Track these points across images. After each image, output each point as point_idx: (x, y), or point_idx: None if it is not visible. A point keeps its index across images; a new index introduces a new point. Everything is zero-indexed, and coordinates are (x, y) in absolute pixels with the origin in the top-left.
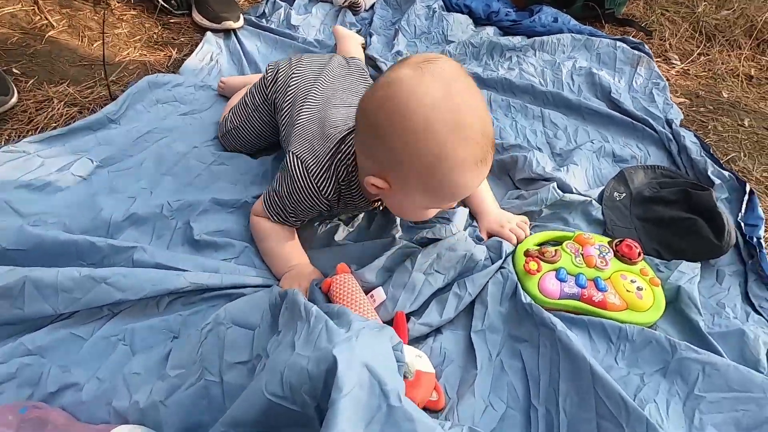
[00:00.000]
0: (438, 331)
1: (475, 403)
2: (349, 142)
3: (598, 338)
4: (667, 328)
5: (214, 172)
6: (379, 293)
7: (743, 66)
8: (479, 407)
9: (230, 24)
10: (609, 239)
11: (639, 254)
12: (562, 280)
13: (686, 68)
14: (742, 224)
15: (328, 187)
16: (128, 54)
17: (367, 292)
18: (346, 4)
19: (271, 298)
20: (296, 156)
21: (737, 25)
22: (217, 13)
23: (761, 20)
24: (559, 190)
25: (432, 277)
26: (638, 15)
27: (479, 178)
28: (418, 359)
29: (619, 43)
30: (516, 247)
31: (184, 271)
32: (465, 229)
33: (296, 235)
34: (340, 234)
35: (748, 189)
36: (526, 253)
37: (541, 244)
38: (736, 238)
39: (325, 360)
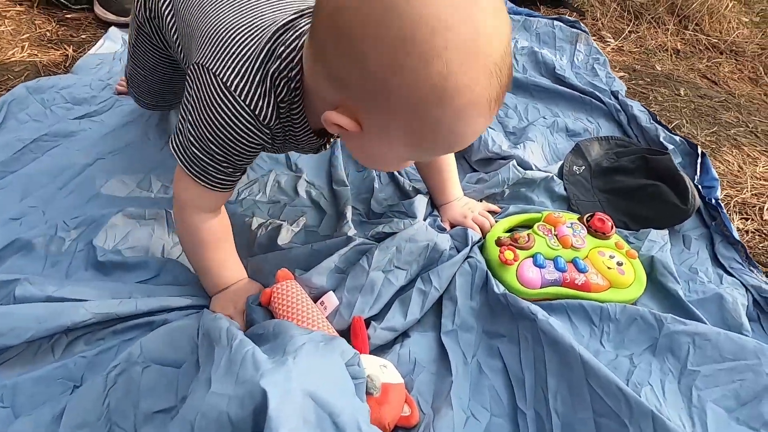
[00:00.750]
0: (405, 335)
1: (455, 415)
2: (290, 41)
3: (579, 322)
4: (647, 302)
5: (125, 183)
6: (330, 299)
7: (671, 41)
8: (459, 419)
9: None
10: (578, 215)
11: (611, 227)
12: (540, 267)
13: (620, 45)
14: (699, 187)
15: (265, 108)
16: (13, 54)
17: (317, 299)
18: None
19: (201, 324)
20: (205, 68)
21: (660, 4)
22: (122, 5)
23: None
24: (520, 168)
25: (392, 275)
26: None
27: (487, 124)
28: (383, 370)
29: (556, 23)
30: (484, 238)
31: (85, 301)
32: (425, 219)
33: (231, 236)
34: (284, 236)
35: (700, 151)
36: (498, 242)
37: (510, 231)
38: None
39: (251, 396)
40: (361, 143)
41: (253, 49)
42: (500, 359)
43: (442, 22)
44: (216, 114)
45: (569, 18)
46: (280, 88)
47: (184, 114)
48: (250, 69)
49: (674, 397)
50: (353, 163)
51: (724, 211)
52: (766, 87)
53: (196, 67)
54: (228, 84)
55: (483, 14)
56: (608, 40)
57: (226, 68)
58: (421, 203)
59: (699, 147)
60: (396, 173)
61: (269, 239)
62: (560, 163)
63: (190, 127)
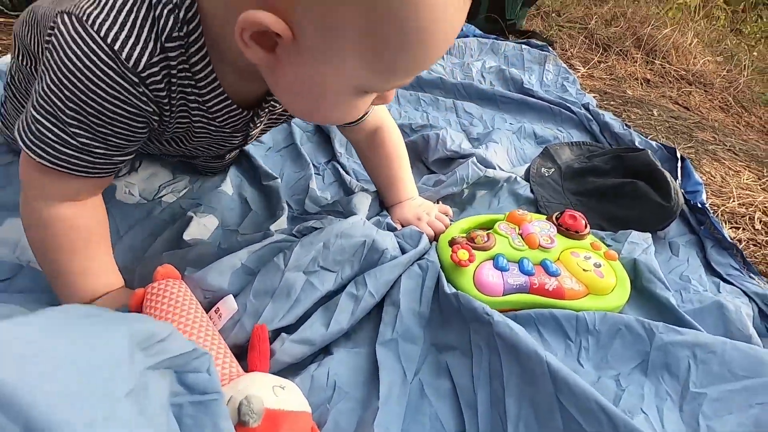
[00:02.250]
0: (326, 351)
1: None
2: None
3: (551, 336)
4: (633, 313)
5: None
6: (227, 304)
7: (640, 71)
8: None
9: None
10: (546, 215)
11: (585, 225)
12: (502, 270)
13: (590, 72)
14: (683, 192)
15: (131, 44)
16: None
17: (213, 305)
18: None
19: None
20: (68, 13)
21: (626, 38)
22: None
23: (645, 34)
24: (480, 165)
25: (316, 277)
26: (538, 30)
27: (460, 17)
28: (277, 393)
29: (524, 46)
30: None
31: None
32: (369, 219)
33: (103, 234)
34: (193, 231)
35: (679, 155)
36: (452, 242)
37: (467, 232)
38: (683, 200)
39: None
40: (295, 69)
41: None
42: (449, 378)
43: None
44: (64, 62)
45: (537, 42)
46: (164, 19)
47: (40, 74)
48: (116, 3)
49: (676, 428)
50: (289, 158)
51: (712, 214)
52: (737, 116)
53: (61, 16)
54: (83, 17)
55: None
56: (578, 67)
57: (86, 3)
58: (362, 200)
59: (677, 150)
60: (341, 170)
61: (174, 233)
62: (526, 165)
63: (37, 96)
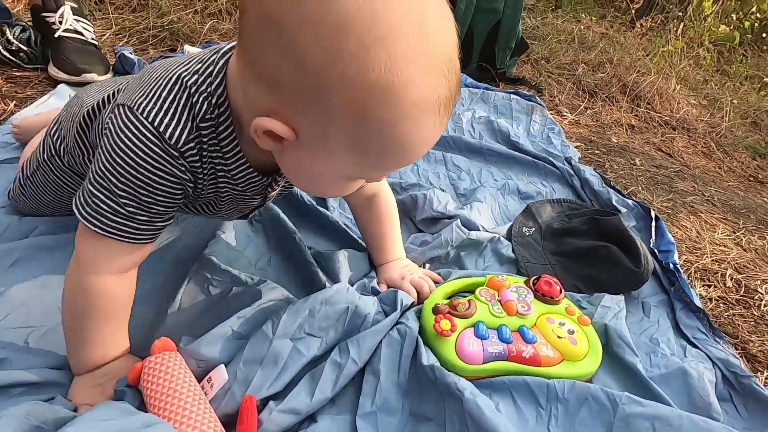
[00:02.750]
0: (311, 419)
1: None
2: (211, 59)
3: (524, 403)
4: (605, 379)
5: None
6: (219, 374)
7: (625, 117)
8: None
9: (93, 77)
10: (525, 278)
11: (560, 291)
12: (482, 338)
13: (576, 119)
14: (656, 251)
15: (173, 126)
16: None
17: (206, 374)
18: None
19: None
20: (122, 105)
21: (612, 85)
22: (75, 65)
23: (630, 80)
24: (464, 228)
25: (302, 343)
26: (528, 77)
27: (436, 132)
28: None
29: (513, 96)
30: (421, 304)
31: None
32: (361, 278)
33: (129, 306)
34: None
35: (654, 215)
36: (435, 310)
37: (451, 296)
38: (654, 265)
39: None
40: (297, 157)
41: (170, 77)
42: None
43: (384, 11)
44: (117, 144)
45: (526, 92)
46: (199, 105)
47: (96, 159)
48: (159, 89)
49: None
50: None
51: (683, 275)
52: (719, 161)
53: (118, 108)
54: (134, 107)
55: (428, 12)
56: (565, 114)
57: (144, 102)
58: (342, 260)
59: (652, 210)
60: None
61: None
62: (509, 224)
63: (93, 173)
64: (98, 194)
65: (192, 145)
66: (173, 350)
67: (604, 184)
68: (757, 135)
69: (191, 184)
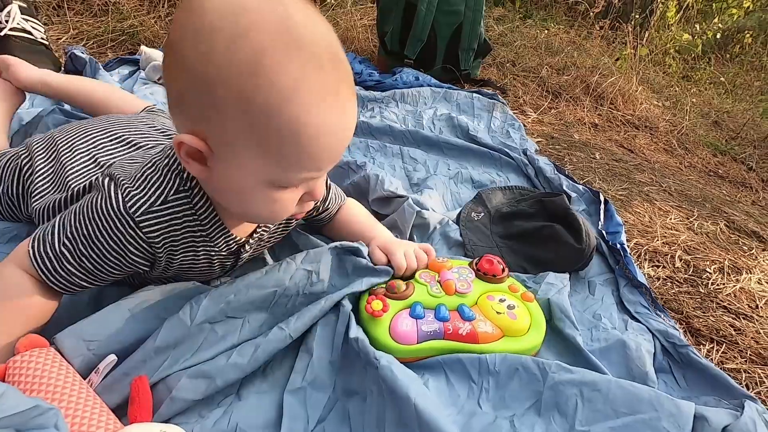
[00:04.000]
0: (236, 395)
1: None
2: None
3: (456, 379)
4: (546, 353)
5: None
6: (106, 362)
7: (588, 116)
8: None
9: None
10: (469, 260)
11: (503, 270)
12: (418, 317)
13: (540, 118)
14: (604, 233)
15: (141, 204)
16: None
17: (101, 358)
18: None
19: None
20: (111, 176)
21: (576, 86)
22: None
23: (593, 82)
24: (414, 205)
25: (221, 326)
26: (493, 79)
27: (337, 121)
28: None
29: (475, 95)
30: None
31: None
32: None
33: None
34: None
35: (602, 198)
36: (370, 292)
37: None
38: (601, 245)
39: None
40: (219, 174)
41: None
42: (348, 425)
43: (244, 11)
44: (97, 206)
45: (488, 91)
46: (171, 181)
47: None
48: (139, 173)
49: None
50: None
51: (629, 254)
52: (680, 157)
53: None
54: (122, 186)
55: (291, 11)
56: (529, 113)
57: (123, 179)
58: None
59: (601, 193)
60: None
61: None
62: (459, 210)
63: (64, 215)
64: (57, 244)
65: (152, 217)
66: (44, 346)
67: (556, 171)
68: (718, 133)
69: (145, 258)
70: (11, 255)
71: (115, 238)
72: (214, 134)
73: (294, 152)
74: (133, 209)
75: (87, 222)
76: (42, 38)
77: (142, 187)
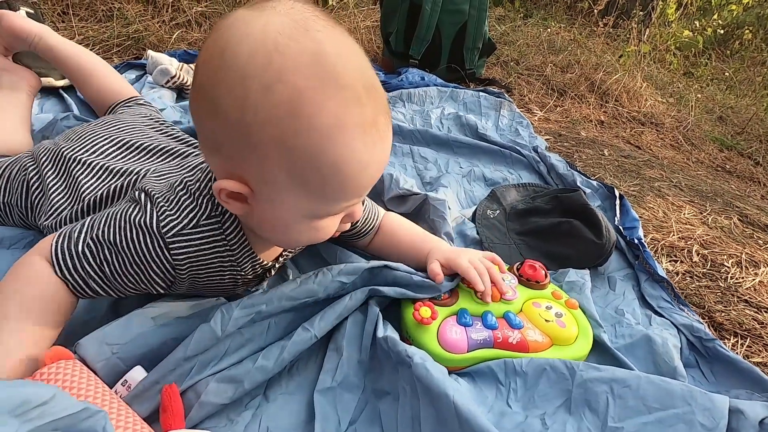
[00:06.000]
0: (263, 397)
1: None
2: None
3: (483, 381)
4: None
5: None
6: (135, 374)
7: (594, 114)
8: None
9: (50, 81)
10: (508, 266)
11: (545, 275)
12: (466, 325)
13: (546, 116)
14: (621, 228)
15: (174, 225)
16: None
17: (123, 361)
18: (172, 85)
19: None
20: (147, 193)
21: (581, 84)
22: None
23: (598, 80)
24: (440, 198)
25: (248, 329)
26: (497, 78)
27: (374, 154)
28: None
29: (481, 93)
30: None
31: None
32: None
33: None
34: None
35: (617, 193)
36: (414, 299)
37: None
38: (619, 240)
39: None
40: (261, 211)
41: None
42: (380, 425)
43: (276, 54)
44: (122, 216)
45: (494, 90)
46: (203, 206)
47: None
48: (173, 196)
49: None
50: None
51: (647, 249)
52: (687, 153)
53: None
54: (156, 202)
55: (324, 46)
56: (535, 111)
57: (160, 196)
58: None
59: (615, 188)
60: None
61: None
62: (474, 208)
63: (93, 220)
64: (81, 236)
65: (181, 239)
66: (69, 357)
67: (569, 168)
68: (723, 128)
69: (166, 276)
70: (36, 246)
71: (141, 252)
72: (254, 176)
73: (338, 188)
74: (165, 229)
75: (117, 229)
76: None
77: (175, 209)
